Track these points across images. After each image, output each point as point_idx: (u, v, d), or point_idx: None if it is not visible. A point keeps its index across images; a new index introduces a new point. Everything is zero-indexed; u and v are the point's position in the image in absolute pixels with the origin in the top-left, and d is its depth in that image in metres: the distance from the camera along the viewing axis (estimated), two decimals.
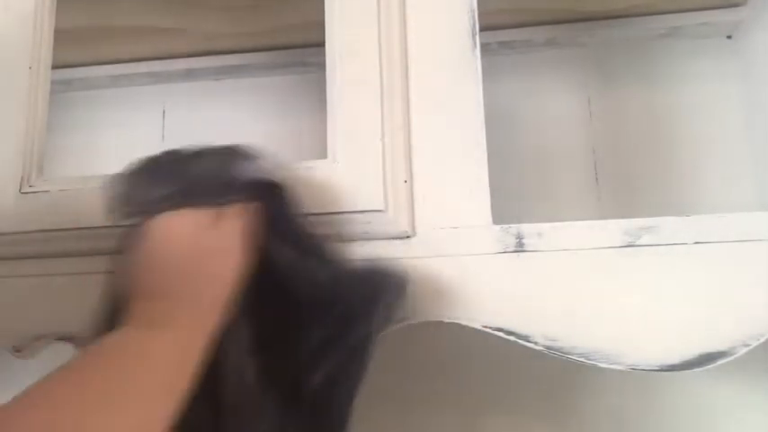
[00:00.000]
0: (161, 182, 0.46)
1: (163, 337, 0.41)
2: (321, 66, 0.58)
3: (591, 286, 0.51)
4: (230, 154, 0.48)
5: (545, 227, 0.52)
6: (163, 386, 0.39)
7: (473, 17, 0.56)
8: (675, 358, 0.48)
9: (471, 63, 0.56)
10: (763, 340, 0.48)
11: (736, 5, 0.78)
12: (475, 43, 0.56)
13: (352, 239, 0.54)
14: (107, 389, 0.37)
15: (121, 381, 0.38)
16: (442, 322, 0.51)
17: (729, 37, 0.82)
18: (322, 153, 0.56)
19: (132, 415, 0.37)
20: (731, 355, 0.48)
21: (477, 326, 0.51)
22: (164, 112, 0.92)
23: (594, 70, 0.84)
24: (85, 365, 0.38)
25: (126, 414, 0.36)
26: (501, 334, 0.50)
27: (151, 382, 0.39)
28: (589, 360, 0.49)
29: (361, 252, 0.53)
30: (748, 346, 0.48)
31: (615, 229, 0.51)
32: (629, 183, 0.80)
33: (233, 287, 0.44)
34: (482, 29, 0.56)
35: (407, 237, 0.54)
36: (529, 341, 0.50)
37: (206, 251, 0.44)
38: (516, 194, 0.79)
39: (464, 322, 0.51)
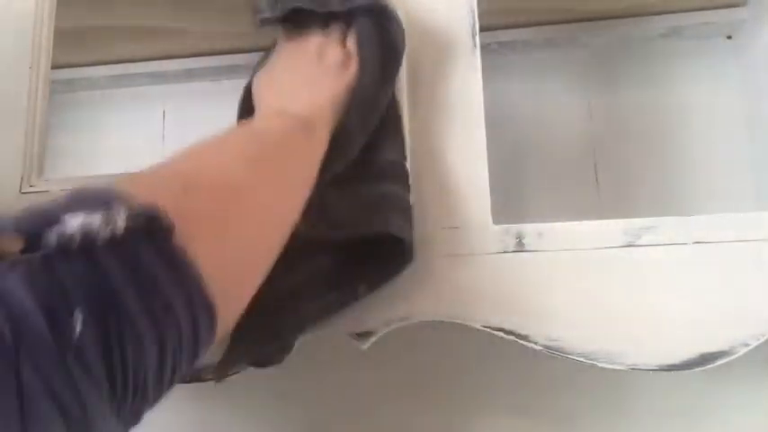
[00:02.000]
0: None
1: (295, 131, 0.44)
2: None
3: (591, 286, 0.51)
4: None
5: (545, 227, 0.52)
6: (302, 176, 0.44)
7: (473, 17, 0.56)
8: (675, 358, 0.48)
9: (471, 63, 0.56)
10: (763, 340, 0.48)
11: (736, 5, 0.78)
12: (475, 43, 0.56)
13: None
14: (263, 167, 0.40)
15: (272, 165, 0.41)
16: (442, 322, 0.52)
17: (729, 37, 0.82)
18: None
19: (282, 201, 0.41)
20: (731, 355, 0.48)
21: (477, 326, 0.51)
22: (164, 112, 0.92)
23: (594, 70, 0.84)
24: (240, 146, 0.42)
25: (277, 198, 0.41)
26: (501, 334, 0.50)
27: (295, 171, 0.43)
28: (589, 360, 0.49)
29: None
30: (748, 346, 0.48)
31: (615, 229, 0.51)
32: (629, 183, 0.80)
33: (347, 94, 0.49)
34: (482, 29, 0.56)
35: None
36: (529, 341, 0.50)
37: (326, 69, 0.49)
38: (516, 194, 0.79)
39: (464, 322, 0.51)
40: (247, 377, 0.52)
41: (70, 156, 0.90)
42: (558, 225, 0.52)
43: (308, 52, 0.50)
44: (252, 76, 0.53)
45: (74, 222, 0.27)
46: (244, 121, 0.51)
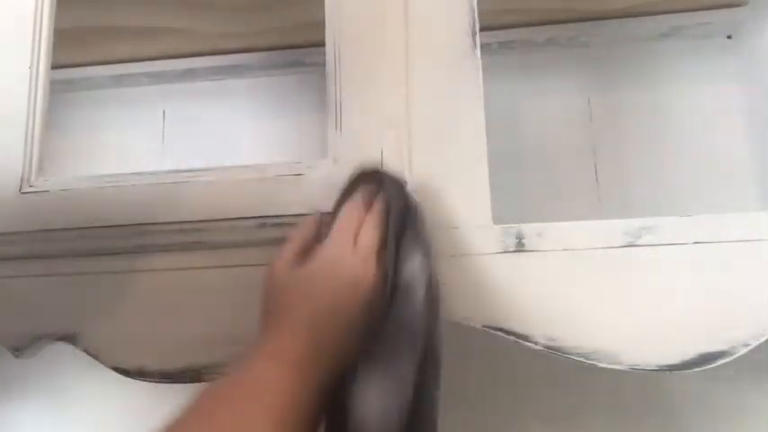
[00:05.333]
0: None
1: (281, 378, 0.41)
2: (321, 66, 0.58)
3: (591, 286, 0.51)
4: None
5: (545, 227, 0.52)
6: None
7: (473, 17, 0.56)
8: (675, 358, 0.48)
9: (471, 63, 0.56)
10: (763, 340, 0.48)
11: (736, 5, 0.78)
12: (475, 43, 0.56)
13: None
14: None
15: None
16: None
17: (729, 37, 0.82)
18: (322, 153, 0.56)
19: None
20: (731, 355, 0.48)
21: (477, 326, 0.51)
22: (164, 112, 0.92)
23: (594, 70, 0.84)
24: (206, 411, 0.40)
25: None
26: (501, 334, 0.50)
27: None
28: (589, 360, 0.49)
29: None
30: (748, 346, 0.48)
31: (615, 229, 0.51)
32: (629, 183, 0.80)
33: (363, 315, 0.45)
34: (482, 29, 0.56)
35: None
36: (529, 341, 0.50)
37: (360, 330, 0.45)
38: (516, 194, 0.79)
39: (464, 322, 0.51)
40: None
41: (70, 156, 0.90)
42: (558, 225, 0.52)
43: (359, 300, 0.45)
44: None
45: None
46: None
